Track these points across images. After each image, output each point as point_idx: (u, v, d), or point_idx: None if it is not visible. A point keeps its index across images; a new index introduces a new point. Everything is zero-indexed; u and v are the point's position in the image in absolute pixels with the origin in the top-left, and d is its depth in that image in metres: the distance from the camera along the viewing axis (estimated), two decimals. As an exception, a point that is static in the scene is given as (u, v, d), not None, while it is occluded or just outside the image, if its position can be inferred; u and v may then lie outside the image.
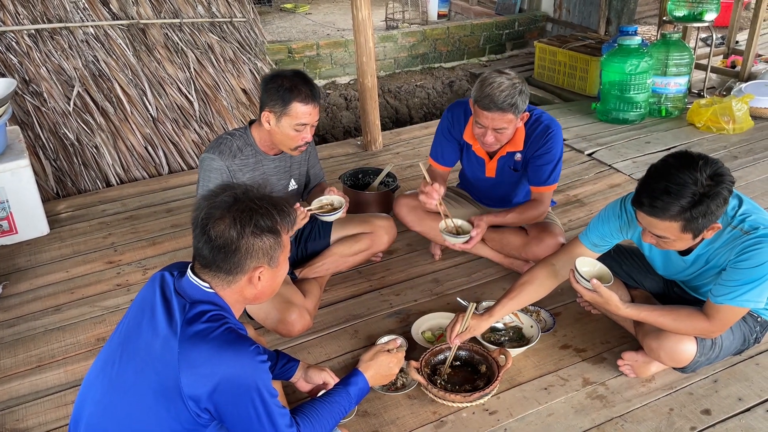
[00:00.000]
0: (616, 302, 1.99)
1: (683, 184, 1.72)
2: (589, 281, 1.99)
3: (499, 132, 2.46)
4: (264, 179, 2.49)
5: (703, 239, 1.90)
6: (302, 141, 2.37)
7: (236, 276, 1.48)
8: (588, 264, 2.11)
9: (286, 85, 2.28)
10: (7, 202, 3.20)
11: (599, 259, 2.19)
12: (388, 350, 1.95)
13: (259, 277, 1.50)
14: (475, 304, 2.23)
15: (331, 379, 1.96)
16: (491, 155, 2.69)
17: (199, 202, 1.53)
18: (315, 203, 2.55)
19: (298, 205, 2.43)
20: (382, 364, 1.90)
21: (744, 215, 1.88)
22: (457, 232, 2.60)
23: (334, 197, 2.56)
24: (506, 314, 2.26)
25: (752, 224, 1.85)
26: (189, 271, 1.51)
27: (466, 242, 2.56)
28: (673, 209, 1.74)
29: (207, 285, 1.49)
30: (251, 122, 2.50)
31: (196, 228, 1.48)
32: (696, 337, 2.03)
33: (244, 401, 1.40)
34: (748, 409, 2.06)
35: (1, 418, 2.17)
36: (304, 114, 2.30)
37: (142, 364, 1.42)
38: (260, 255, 1.48)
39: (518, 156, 2.65)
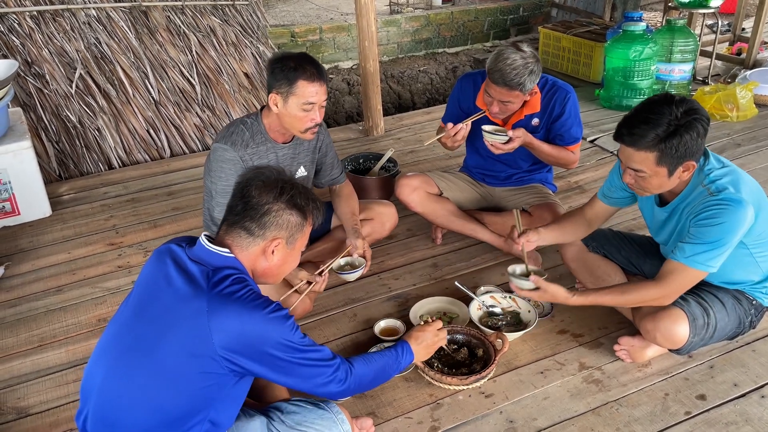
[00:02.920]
0: (563, 294, 2.07)
1: (660, 114, 1.84)
2: (528, 279, 2.09)
3: (504, 104, 2.55)
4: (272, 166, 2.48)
5: (679, 181, 1.94)
6: (311, 122, 2.33)
7: (256, 239, 1.57)
8: (519, 268, 2.28)
9: (291, 64, 2.27)
10: (10, 183, 3.22)
11: (593, 242, 2.22)
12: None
13: (273, 251, 1.59)
14: (519, 210, 2.41)
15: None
16: (505, 120, 2.72)
17: (247, 171, 1.69)
18: (335, 264, 2.45)
19: (318, 277, 2.33)
20: (428, 337, 1.95)
21: (716, 177, 1.93)
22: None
23: (355, 258, 2.51)
24: (550, 238, 2.33)
25: (719, 186, 1.91)
26: (204, 238, 1.57)
27: (506, 143, 2.56)
28: (649, 136, 1.84)
29: (226, 250, 1.55)
30: (262, 108, 2.46)
31: (237, 189, 1.62)
32: (687, 317, 2.03)
33: (278, 357, 1.50)
34: (743, 395, 2.07)
35: (3, 396, 2.20)
36: (311, 93, 2.28)
37: (164, 326, 1.47)
38: (283, 227, 1.59)
39: (536, 120, 2.70)
